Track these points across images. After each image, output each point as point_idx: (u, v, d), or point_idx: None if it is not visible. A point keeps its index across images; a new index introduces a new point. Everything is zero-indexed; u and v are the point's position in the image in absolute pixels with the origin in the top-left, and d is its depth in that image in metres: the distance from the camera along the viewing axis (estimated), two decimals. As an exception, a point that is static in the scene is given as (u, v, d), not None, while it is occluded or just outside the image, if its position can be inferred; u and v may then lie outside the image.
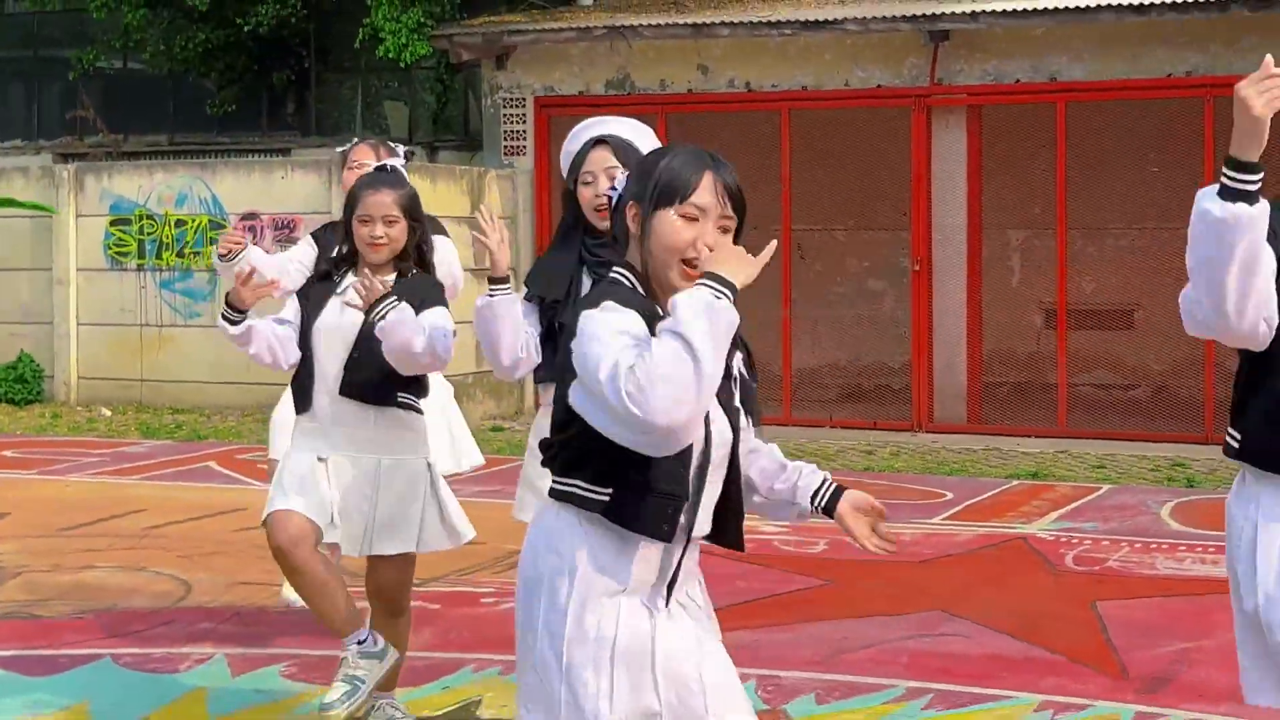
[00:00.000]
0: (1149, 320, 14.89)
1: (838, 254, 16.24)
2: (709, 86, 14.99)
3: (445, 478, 5.83)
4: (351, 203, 5.14)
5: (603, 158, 4.58)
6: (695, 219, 3.05)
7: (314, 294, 5.23)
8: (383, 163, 5.62)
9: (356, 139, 6.73)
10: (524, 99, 15.65)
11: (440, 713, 5.79)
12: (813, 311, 15.11)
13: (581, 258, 4.69)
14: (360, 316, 4.99)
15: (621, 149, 4.53)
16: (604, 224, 4.52)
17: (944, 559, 8.63)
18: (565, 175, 4.82)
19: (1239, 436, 3.42)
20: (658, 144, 4.40)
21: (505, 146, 15.72)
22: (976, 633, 6.91)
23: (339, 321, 5.09)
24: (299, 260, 6.09)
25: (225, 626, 6.98)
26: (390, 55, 14.81)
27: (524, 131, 15.65)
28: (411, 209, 5.17)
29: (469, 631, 6.89)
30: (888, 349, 15.60)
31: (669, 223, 3.05)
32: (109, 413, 14.47)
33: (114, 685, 6.13)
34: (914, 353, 14.31)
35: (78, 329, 15.02)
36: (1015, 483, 11.22)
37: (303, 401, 5.21)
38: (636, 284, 3.11)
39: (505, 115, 15.73)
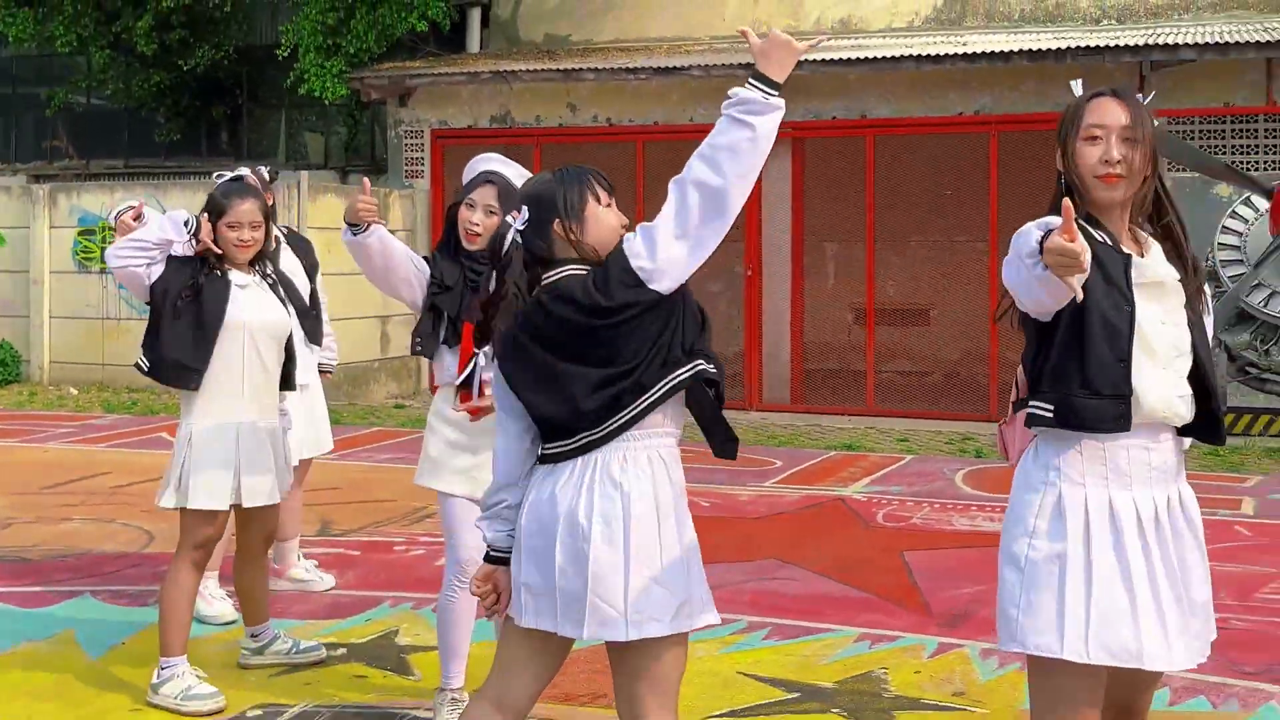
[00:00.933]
0: (942, 318, 14.87)
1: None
2: (576, 121, 14.70)
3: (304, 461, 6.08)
4: (217, 209, 4.89)
5: (486, 194, 4.42)
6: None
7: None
8: (238, 173, 5.35)
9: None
10: (422, 131, 15.28)
11: (365, 640, 5.72)
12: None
13: (461, 264, 4.50)
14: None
15: (505, 192, 4.34)
16: (470, 245, 4.45)
17: (776, 516, 8.51)
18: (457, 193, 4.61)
19: (1049, 406, 3.13)
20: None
21: (406, 170, 15.34)
22: (804, 577, 6.85)
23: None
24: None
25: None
26: (315, 94, 14.47)
27: (422, 158, 15.28)
28: (270, 216, 5.05)
29: (384, 574, 6.90)
30: (725, 341, 15.41)
31: (601, 217, 3.23)
32: (75, 391, 14.18)
33: (94, 616, 6.08)
34: (746, 344, 14.12)
35: (50, 321, 14.81)
36: (833, 453, 11.08)
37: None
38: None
39: (407, 145, 15.35)
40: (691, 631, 3.36)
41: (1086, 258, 2.75)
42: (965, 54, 12.87)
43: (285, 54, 15.01)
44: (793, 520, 8.39)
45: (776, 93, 3.13)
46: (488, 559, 3.43)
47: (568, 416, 3.19)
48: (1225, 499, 8.92)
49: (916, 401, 13.90)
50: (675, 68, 13.79)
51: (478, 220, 4.42)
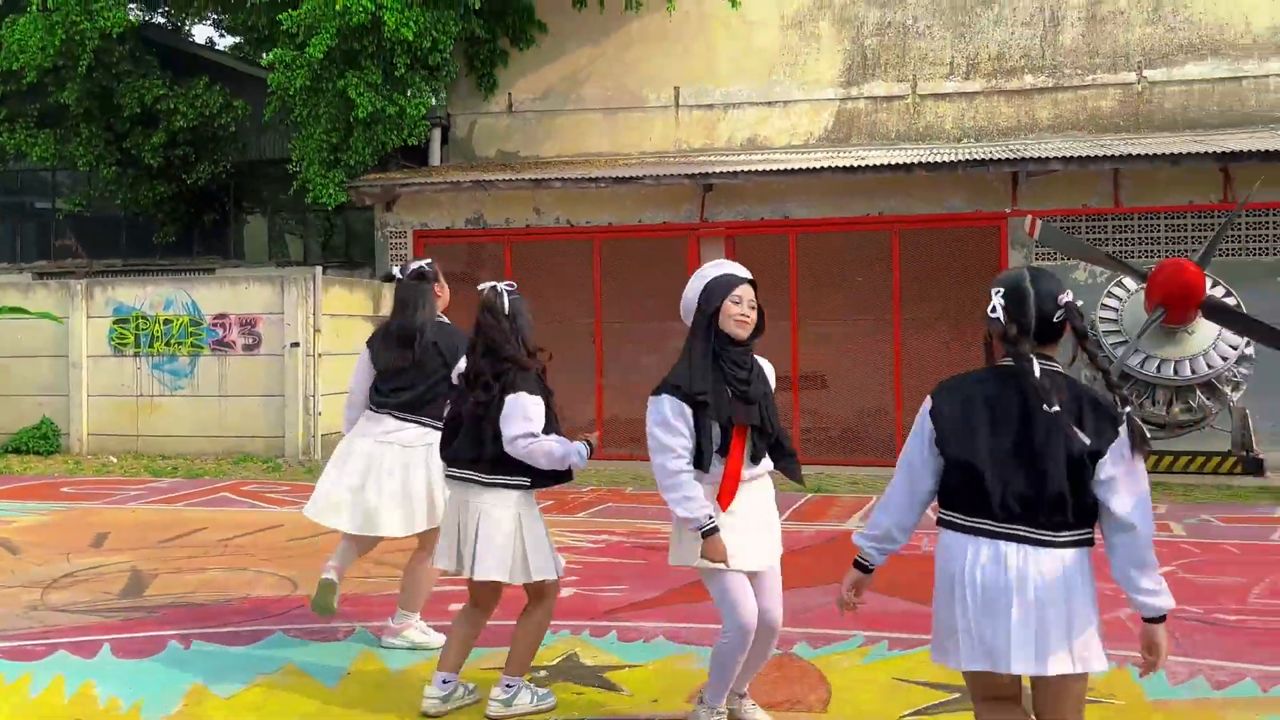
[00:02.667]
0: (841, 383, 14.98)
1: (637, 339, 16.02)
2: (541, 223, 14.63)
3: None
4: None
5: (748, 291, 4.37)
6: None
7: None
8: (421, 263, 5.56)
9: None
10: (405, 231, 15.02)
11: (555, 663, 5.16)
12: (619, 379, 14.88)
13: (722, 370, 4.30)
14: None
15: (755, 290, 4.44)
16: (741, 333, 4.34)
17: (806, 549, 8.26)
18: (702, 298, 4.37)
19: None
20: None
21: (392, 265, 15.05)
22: (874, 598, 6.41)
23: None
24: None
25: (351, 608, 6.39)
26: (320, 201, 14.15)
27: (405, 255, 14.98)
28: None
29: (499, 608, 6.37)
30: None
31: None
32: (115, 459, 13.41)
33: (297, 651, 5.66)
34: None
35: (88, 399, 13.97)
36: (809, 495, 10.89)
37: None
38: None
39: (392, 243, 15.08)
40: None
41: None
42: (872, 165, 13.20)
43: (295, 167, 14.66)
44: (824, 551, 8.28)
45: None
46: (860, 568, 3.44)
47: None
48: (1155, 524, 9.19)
49: (832, 452, 14.02)
50: (630, 177, 13.83)
51: (746, 312, 4.33)
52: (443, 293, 5.83)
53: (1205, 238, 12.68)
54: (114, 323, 13.83)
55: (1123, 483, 3.23)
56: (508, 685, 4.76)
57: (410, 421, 5.59)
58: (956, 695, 4.98)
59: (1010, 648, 3.23)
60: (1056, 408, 3.21)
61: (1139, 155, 12.59)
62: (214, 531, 8.97)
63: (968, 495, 3.30)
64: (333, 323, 13.39)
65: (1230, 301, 11.25)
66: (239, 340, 13.22)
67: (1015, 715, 3.42)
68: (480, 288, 4.91)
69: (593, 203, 14.44)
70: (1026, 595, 3.23)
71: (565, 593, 6.78)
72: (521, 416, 4.62)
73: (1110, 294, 11.68)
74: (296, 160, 14.43)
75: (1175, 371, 11.17)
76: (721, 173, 13.57)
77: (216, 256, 17.51)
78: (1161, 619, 3.29)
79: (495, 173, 14.66)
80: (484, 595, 4.88)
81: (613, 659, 5.51)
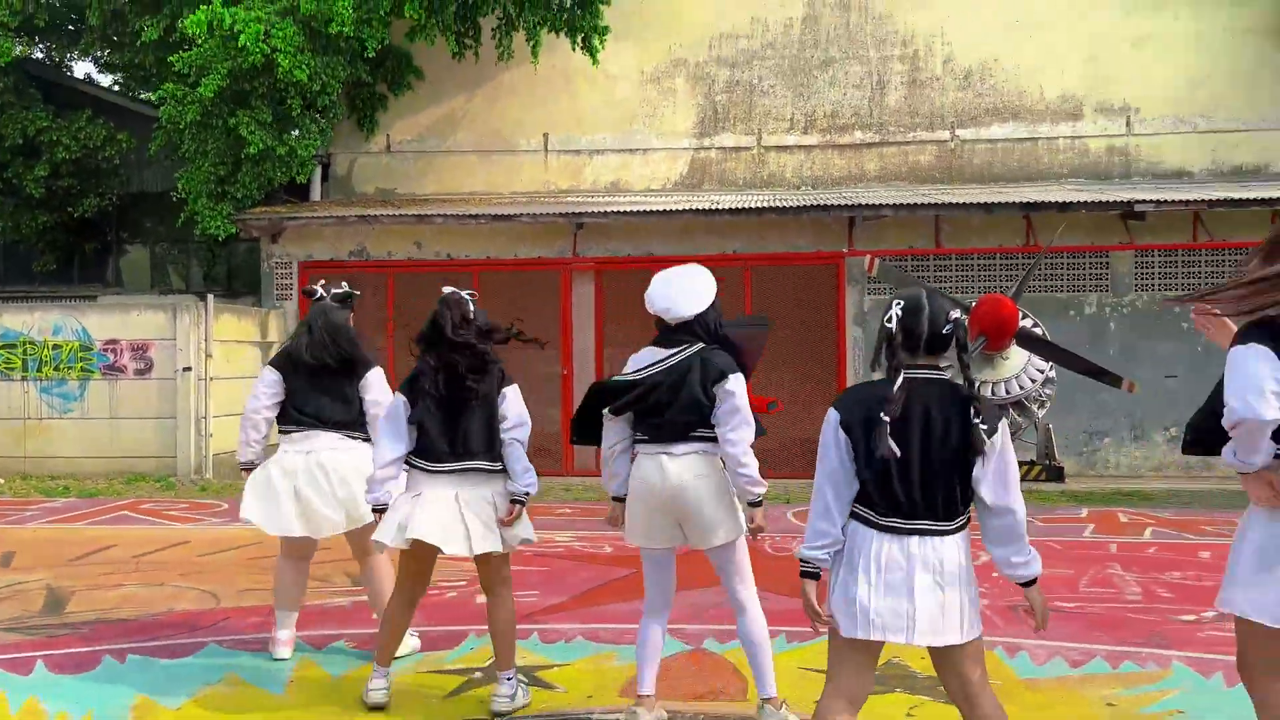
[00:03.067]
0: None
1: (516, 365, 15.88)
2: (422, 256, 14.44)
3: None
4: None
5: None
6: None
7: None
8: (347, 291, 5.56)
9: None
10: (291, 263, 14.60)
11: (489, 664, 5.13)
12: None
13: None
14: None
15: None
16: None
17: (692, 552, 8.14)
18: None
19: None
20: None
21: (277, 294, 14.59)
22: (768, 596, 6.56)
23: None
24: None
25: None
26: (208, 232, 13.64)
27: (290, 285, 14.57)
28: None
29: (443, 613, 6.16)
30: (546, 423, 15.37)
31: None
32: (3, 481, 12.54)
33: (236, 660, 5.44)
34: (562, 425, 14.12)
35: None
36: None
37: None
38: None
39: (278, 274, 14.64)
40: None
41: None
42: (726, 208, 13.47)
43: (181, 198, 14.09)
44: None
45: None
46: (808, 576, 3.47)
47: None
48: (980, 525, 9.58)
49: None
50: (506, 215, 13.77)
51: None
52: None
53: (1012, 276, 13.33)
54: (0, 348, 13.02)
55: (999, 474, 3.37)
56: (508, 679, 4.68)
57: (349, 435, 5.45)
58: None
59: (916, 625, 3.31)
60: (947, 415, 3.31)
61: (957, 204, 13.17)
62: (124, 548, 8.53)
63: (879, 494, 3.37)
64: (223, 348, 12.92)
65: (1038, 332, 11.86)
66: (130, 365, 12.62)
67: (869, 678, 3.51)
68: (447, 290, 4.89)
69: (471, 238, 14.32)
70: (929, 579, 3.33)
71: (479, 600, 6.69)
72: (521, 406, 4.70)
73: (938, 325, 12.16)
74: (183, 192, 13.89)
75: (993, 392, 11.69)
76: (593, 213, 13.65)
77: (97, 284, 16.71)
78: (1034, 582, 3.44)
79: (376, 208, 14.40)
80: (422, 582, 4.79)
81: (540, 659, 5.47)
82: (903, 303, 3.43)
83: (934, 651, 3.45)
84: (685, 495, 4.28)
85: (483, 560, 4.71)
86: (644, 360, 4.42)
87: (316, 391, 5.47)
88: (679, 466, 4.29)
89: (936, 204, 13.16)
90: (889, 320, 3.41)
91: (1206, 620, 6.23)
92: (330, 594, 6.84)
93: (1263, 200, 12.97)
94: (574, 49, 14.64)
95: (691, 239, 13.97)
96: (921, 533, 3.33)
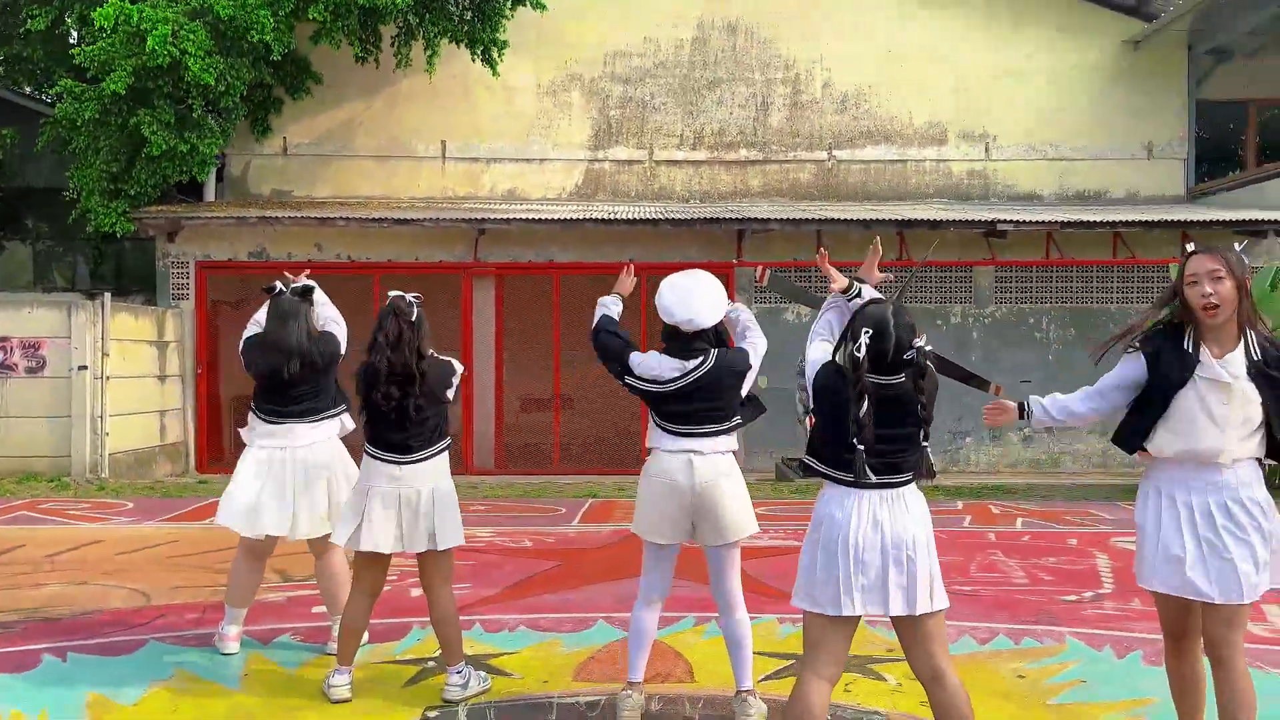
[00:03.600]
0: (597, 404, 15.04)
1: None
2: (323, 258, 14.10)
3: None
4: None
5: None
6: None
7: None
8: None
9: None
10: (188, 262, 14.09)
11: (437, 654, 5.07)
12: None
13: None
14: None
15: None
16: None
17: (611, 545, 8.30)
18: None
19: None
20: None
21: (173, 293, 14.05)
22: (686, 585, 6.53)
23: None
24: None
25: (214, 614, 5.94)
26: (103, 229, 13.03)
27: (187, 284, 14.05)
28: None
29: (382, 605, 6.04)
30: (452, 422, 15.16)
31: None
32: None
33: (182, 657, 5.29)
34: (463, 424, 14.01)
35: None
36: (589, 501, 10.93)
37: None
38: None
39: (174, 273, 14.10)
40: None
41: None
42: (624, 219, 13.58)
43: (72, 195, 13.43)
44: (626, 546, 8.32)
45: None
46: None
47: None
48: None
49: (592, 463, 14.16)
50: (408, 220, 13.57)
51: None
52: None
53: (885, 288, 13.75)
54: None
55: None
56: (458, 671, 4.65)
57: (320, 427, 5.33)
58: (793, 661, 5.26)
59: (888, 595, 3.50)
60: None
61: (838, 219, 13.57)
62: (35, 548, 8.13)
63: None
64: (119, 347, 12.39)
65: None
66: (21, 363, 11.97)
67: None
68: (392, 294, 4.84)
69: (373, 240, 14.08)
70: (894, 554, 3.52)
71: (414, 593, 6.62)
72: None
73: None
74: (75, 190, 13.27)
75: (872, 396, 12.06)
76: (495, 219, 13.57)
77: (-21, 282, 15.84)
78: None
79: (274, 209, 14.02)
80: (380, 579, 4.74)
81: (488, 648, 5.46)
82: (870, 331, 3.58)
83: (902, 625, 3.60)
84: (711, 494, 4.32)
85: (426, 558, 4.67)
86: (667, 372, 4.41)
87: (287, 384, 5.27)
88: (707, 466, 4.32)
89: (819, 219, 13.54)
90: (858, 350, 3.54)
91: (1086, 600, 6.60)
92: (264, 589, 6.67)
93: (1108, 223, 13.78)
94: (474, 60, 14.54)
95: (590, 247, 14.03)
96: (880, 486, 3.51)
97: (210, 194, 15.26)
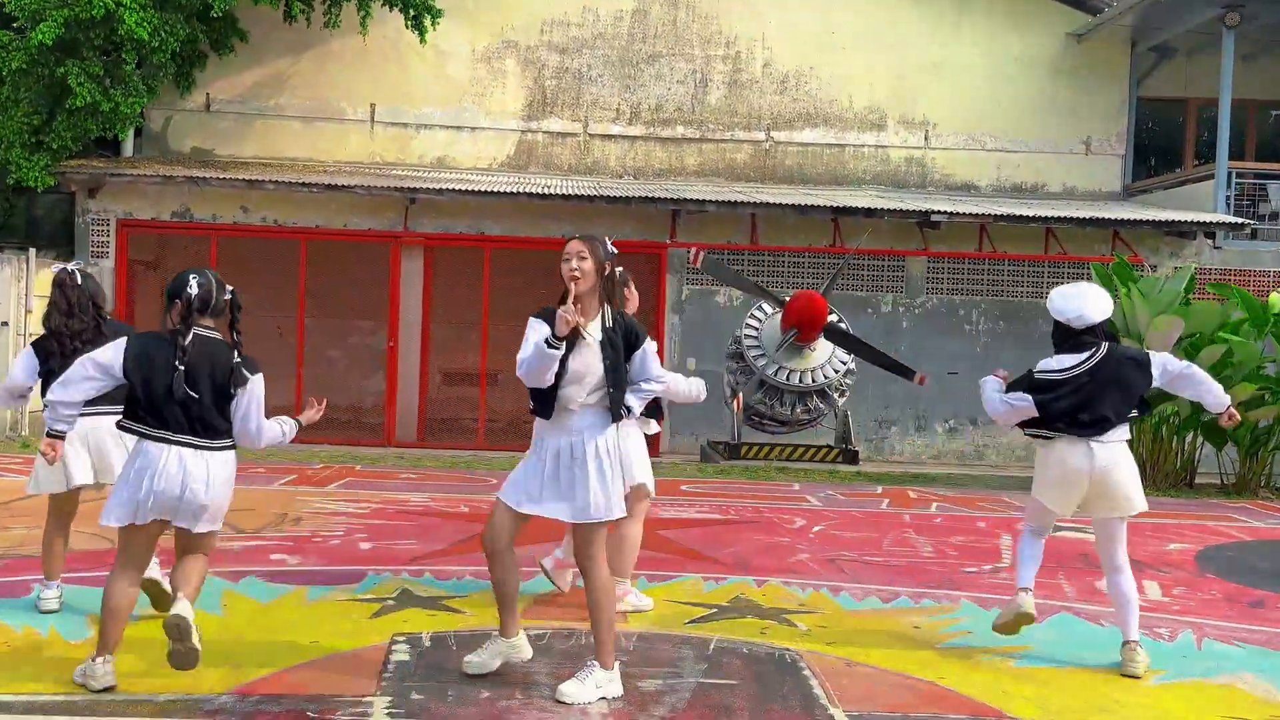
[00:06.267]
0: (508, 380, 16.08)
1: (339, 335, 16.51)
2: (249, 220, 14.93)
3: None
4: None
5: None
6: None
7: None
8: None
9: None
10: (109, 220, 14.83)
11: (394, 595, 6.10)
12: (321, 370, 15.40)
13: None
14: None
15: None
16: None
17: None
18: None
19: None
20: None
21: (92, 251, 14.78)
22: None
23: None
24: None
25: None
26: (26, 184, 13.72)
27: (107, 243, 14.80)
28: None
29: (334, 555, 7.04)
30: (374, 393, 16.10)
31: None
32: None
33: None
34: (386, 397, 14.95)
35: None
36: None
37: None
38: None
39: (94, 230, 14.82)
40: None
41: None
42: (556, 194, 14.59)
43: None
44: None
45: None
46: None
47: None
48: (793, 497, 11.15)
49: (513, 439, 15.04)
50: (337, 185, 14.45)
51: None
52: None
53: (819, 274, 15.03)
54: None
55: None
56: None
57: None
58: (715, 610, 6.40)
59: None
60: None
61: (774, 204, 14.77)
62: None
63: None
64: (44, 304, 13.10)
65: (844, 327, 13.56)
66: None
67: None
68: (54, 268, 5.84)
69: (300, 205, 14.92)
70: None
71: (365, 546, 7.68)
72: None
73: (753, 315, 13.72)
74: (-7, 141, 13.95)
75: (800, 380, 13.32)
76: (428, 188, 14.49)
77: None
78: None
79: (197, 169, 14.80)
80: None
81: (440, 592, 6.52)
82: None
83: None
84: (1111, 475, 5.54)
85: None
86: (1064, 364, 5.60)
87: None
88: (1106, 452, 5.55)
89: (755, 203, 14.72)
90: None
91: (986, 571, 7.87)
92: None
93: (1041, 218, 15.16)
94: (406, 26, 15.32)
95: (523, 220, 15.03)
96: None
97: (129, 149, 15.96)
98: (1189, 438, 13.41)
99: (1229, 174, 16.12)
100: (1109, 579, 5.72)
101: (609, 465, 4.81)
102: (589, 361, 4.79)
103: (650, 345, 5.08)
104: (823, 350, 13.45)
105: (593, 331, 4.84)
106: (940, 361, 15.40)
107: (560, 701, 4.67)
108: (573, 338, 4.75)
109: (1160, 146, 19.96)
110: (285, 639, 5.49)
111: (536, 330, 4.72)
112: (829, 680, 5.14)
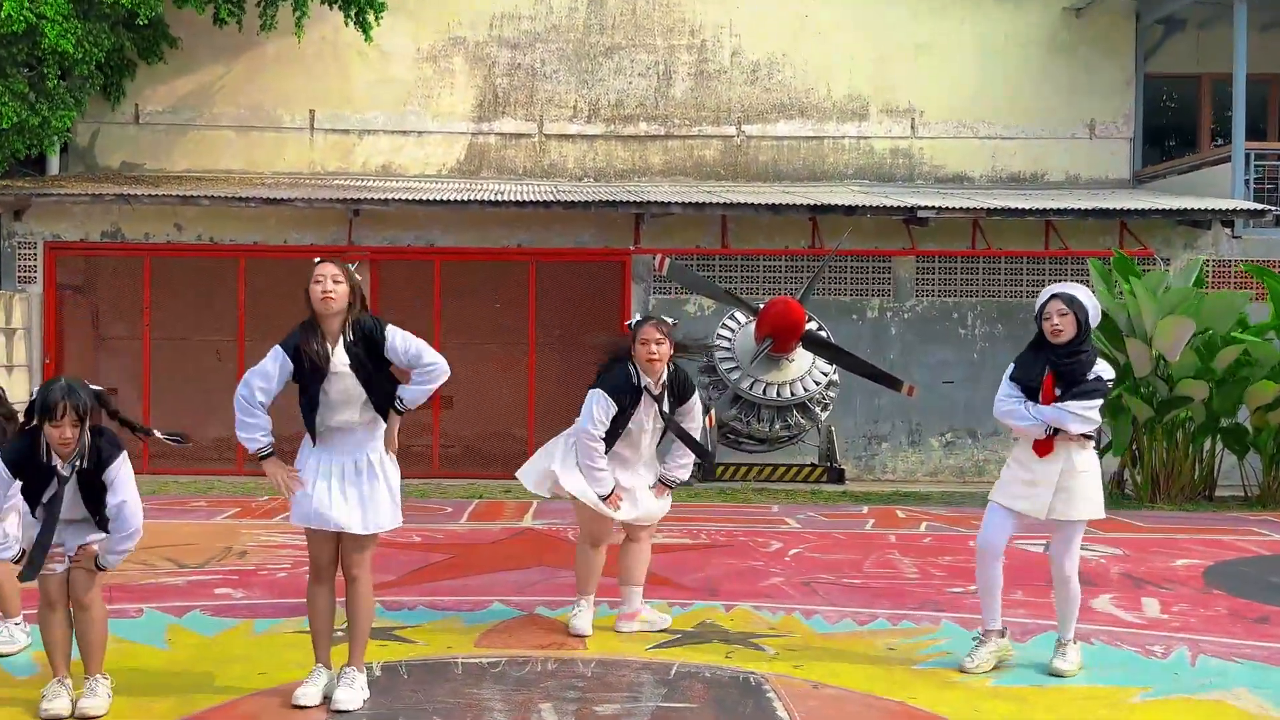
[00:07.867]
0: (462, 404, 16.33)
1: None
2: (183, 239, 15.24)
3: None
4: None
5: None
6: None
7: None
8: None
9: None
10: (36, 243, 15.16)
11: (342, 627, 6.39)
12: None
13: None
14: None
15: None
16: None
17: (503, 541, 9.72)
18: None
19: None
20: None
21: (20, 277, 15.12)
22: (565, 573, 7.89)
23: None
24: None
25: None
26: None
27: (35, 267, 15.14)
28: None
29: (279, 588, 7.37)
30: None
31: None
32: None
33: None
34: (335, 427, 15.20)
35: None
36: (475, 501, 12.29)
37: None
38: None
39: (21, 254, 15.15)
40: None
41: None
42: (511, 200, 14.88)
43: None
44: (518, 543, 9.73)
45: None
46: None
47: None
48: (771, 519, 11.48)
49: (470, 465, 15.44)
50: (277, 199, 14.77)
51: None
52: None
53: (797, 278, 15.36)
54: None
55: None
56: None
57: None
58: (679, 635, 6.75)
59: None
60: None
61: (746, 204, 15.11)
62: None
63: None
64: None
65: (824, 335, 13.90)
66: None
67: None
68: None
69: (237, 221, 15.25)
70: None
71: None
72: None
73: (725, 325, 14.01)
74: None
75: (778, 394, 13.62)
76: (372, 199, 14.82)
77: None
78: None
79: (128, 185, 15.12)
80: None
81: (392, 623, 6.89)
82: None
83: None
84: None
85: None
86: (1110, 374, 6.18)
87: None
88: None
89: (725, 203, 15.07)
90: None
91: (971, 591, 8.20)
92: (161, 575, 8.00)
93: (1039, 211, 15.30)
94: (347, 23, 15.67)
95: (475, 230, 15.36)
96: None
97: (55, 167, 16.28)
98: (1206, 445, 13.36)
99: (1247, 156, 16.09)
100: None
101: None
102: (347, 387, 5.41)
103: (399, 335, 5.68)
104: (802, 361, 13.71)
105: (339, 358, 5.39)
106: (933, 370, 15.64)
107: (338, 710, 5.25)
108: (325, 370, 5.38)
109: (1173, 128, 19.67)
110: (234, 670, 5.87)
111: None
112: (794, 703, 5.50)
